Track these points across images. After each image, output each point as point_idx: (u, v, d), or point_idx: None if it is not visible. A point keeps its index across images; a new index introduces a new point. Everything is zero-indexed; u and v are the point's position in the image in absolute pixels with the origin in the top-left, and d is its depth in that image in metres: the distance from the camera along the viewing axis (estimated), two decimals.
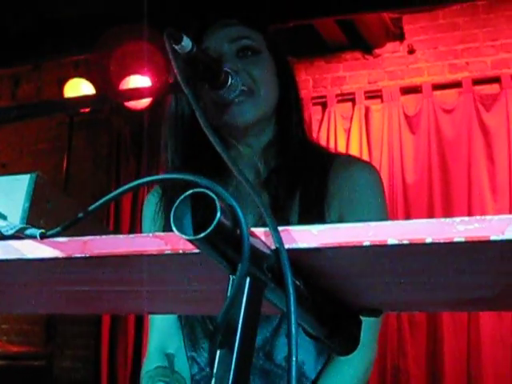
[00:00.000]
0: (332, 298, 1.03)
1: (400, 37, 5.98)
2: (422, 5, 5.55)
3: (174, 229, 0.74)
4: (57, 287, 1.12)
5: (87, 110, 6.53)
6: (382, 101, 5.93)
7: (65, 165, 6.97)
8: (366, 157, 5.71)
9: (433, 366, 5.48)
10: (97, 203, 0.87)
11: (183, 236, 0.74)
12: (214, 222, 0.72)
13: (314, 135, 5.66)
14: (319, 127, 6.01)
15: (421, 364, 5.52)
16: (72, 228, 0.96)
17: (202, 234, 0.72)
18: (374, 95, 5.98)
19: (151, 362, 1.93)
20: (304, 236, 0.86)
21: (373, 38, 5.96)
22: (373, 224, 0.84)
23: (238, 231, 0.77)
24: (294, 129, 1.90)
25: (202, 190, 0.74)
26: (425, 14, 5.88)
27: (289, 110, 1.91)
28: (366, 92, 6.00)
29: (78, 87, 6.47)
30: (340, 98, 6.08)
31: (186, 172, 1.79)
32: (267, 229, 0.86)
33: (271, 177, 1.87)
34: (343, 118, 6.04)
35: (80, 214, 0.87)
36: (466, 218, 0.81)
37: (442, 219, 0.82)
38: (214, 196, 0.73)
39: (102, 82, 6.56)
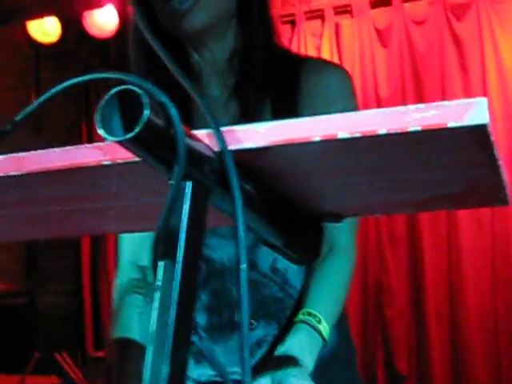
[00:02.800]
0: (289, 203, 0.97)
1: None
2: None
3: (99, 130, 0.67)
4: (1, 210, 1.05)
5: (53, 41, 6.39)
6: (352, 16, 5.82)
7: (33, 99, 6.86)
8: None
9: (415, 280, 5.50)
10: (22, 113, 0.81)
11: (110, 138, 0.67)
12: (142, 120, 0.66)
13: None
14: (289, 46, 5.86)
15: (403, 278, 5.53)
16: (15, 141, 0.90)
17: (130, 134, 0.66)
18: (344, 10, 5.87)
19: (124, 274, 1.89)
20: (250, 135, 0.80)
21: None
22: (321, 117, 0.78)
23: (173, 130, 0.70)
24: (259, 34, 1.83)
25: (128, 86, 0.68)
26: None
27: (250, 13, 1.83)
28: (335, 7, 5.88)
29: (42, 21, 6.32)
30: (309, 15, 5.95)
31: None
32: (210, 131, 0.80)
33: (239, 84, 1.83)
34: (313, 35, 5.93)
35: (8, 126, 0.81)
36: (422, 106, 0.76)
37: (396, 108, 0.76)
38: (141, 92, 0.67)
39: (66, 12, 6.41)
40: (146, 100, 0.66)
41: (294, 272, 1.79)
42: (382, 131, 0.75)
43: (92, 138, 6.73)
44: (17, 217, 1.12)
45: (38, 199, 1.01)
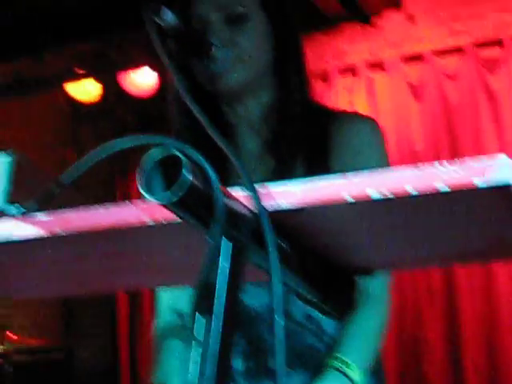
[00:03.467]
0: (322, 259, 1.00)
1: (398, 4, 5.90)
2: None
3: (142, 192, 0.71)
4: (41, 268, 1.10)
5: (92, 100, 6.51)
6: (385, 71, 5.87)
7: (70, 157, 6.96)
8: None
9: (452, 333, 5.45)
10: (69, 175, 0.85)
11: (152, 199, 0.71)
12: (184, 184, 0.70)
13: None
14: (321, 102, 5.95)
15: (439, 331, 5.49)
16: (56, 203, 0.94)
17: (173, 197, 0.70)
18: (376, 66, 5.92)
19: (162, 319, 1.93)
20: (285, 196, 0.84)
21: (370, 6, 5.88)
22: (354, 177, 0.81)
23: (211, 192, 0.74)
24: (295, 90, 1.87)
25: (170, 152, 0.72)
26: None
27: (286, 70, 1.88)
28: (367, 63, 5.93)
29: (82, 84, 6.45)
30: (342, 70, 6.01)
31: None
32: (247, 190, 0.84)
33: (273, 140, 1.86)
34: (346, 90, 5.98)
35: (54, 187, 0.85)
36: (449, 164, 0.79)
37: (424, 167, 0.79)
38: (182, 157, 0.71)
39: (105, 74, 6.54)
40: (188, 165, 0.70)
41: (329, 320, 1.80)
42: (412, 191, 0.79)
43: (126, 193, 6.81)
44: (60, 273, 1.16)
45: (80, 257, 1.05)
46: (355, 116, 1.98)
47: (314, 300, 1.04)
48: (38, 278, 1.20)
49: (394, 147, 5.60)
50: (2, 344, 5.55)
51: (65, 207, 0.94)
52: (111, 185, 6.85)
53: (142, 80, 6.18)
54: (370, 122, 1.93)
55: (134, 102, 6.46)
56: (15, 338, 5.68)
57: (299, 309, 1.78)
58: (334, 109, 2.07)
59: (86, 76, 6.38)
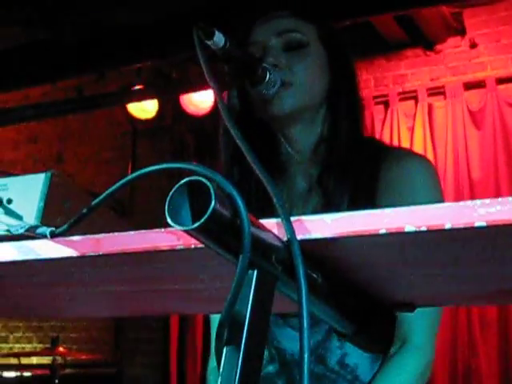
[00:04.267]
0: (358, 291, 0.98)
1: (461, 31, 5.86)
2: None
3: (167, 218, 0.70)
4: (72, 288, 1.09)
5: (150, 117, 6.57)
6: (445, 97, 5.82)
7: (129, 173, 7.02)
8: (430, 154, 5.61)
9: (505, 365, 5.35)
10: (99, 197, 0.84)
11: (177, 226, 0.70)
12: (209, 210, 0.68)
13: (377, 135, 5.58)
14: (382, 126, 5.93)
15: (493, 363, 5.39)
16: (89, 225, 0.94)
17: (196, 224, 0.68)
18: (437, 92, 5.87)
19: (214, 359, 1.92)
20: (317, 225, 0.82)
21: (433, 33, 5.86)
22: (388, 210, 0.79)
23: (239, 220, 0.73)
24: (346, 124, 1.84)
25: (196, 177, 0.70)
26: (486, 7, 5.75)
27: (339, 102, 1.86)
28: (428, 89, 5.89)
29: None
30: (402, 96, 5.98)
31: (235, 172, 1.76)
32: (279, 220, 0.82)
33: (322, 175, 1.83)
34: (406, 116, 5.95)
35: (84, 210, 0.84)
36: (487, 201, 0.76)
37: (462, 202, 0.77)
38: (208, 183, 0.69)
39: (163, 91, 6.57)
40: (213, 191, 0.68)
41: (365, 368, 1.75)
42: (448, 225, 0.76)
43: None
44: (88, 295, 1.15)
45: (112, 279, 1.04)
46: (408, 153, 1.94)
47: (348, 333, 1.01)
48: (72, 298, 1.19)
49: (451, 174, 5.54)
50: (52, 356, 5.59)
51: (104, 231, 0.93)
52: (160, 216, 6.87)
53: (200, 98, 6.21)
54: (423, 160, 1.89)
55: (191, 119, 6.50)
56: (65, 350, 5.72)
57: (335, 355, 1.75)
58: (386, 144, 2.03)
59: (145, 94, 6.43)
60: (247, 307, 0.76)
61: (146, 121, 6.67)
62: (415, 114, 5.91)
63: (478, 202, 0.76)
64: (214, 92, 1.20)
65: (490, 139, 5.60)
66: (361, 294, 0.99)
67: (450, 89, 5.80)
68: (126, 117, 6.69)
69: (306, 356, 0.76)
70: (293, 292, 0.84)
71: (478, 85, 5.73)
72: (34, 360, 6.77)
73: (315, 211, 1.77)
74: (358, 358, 1.74)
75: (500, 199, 0.76)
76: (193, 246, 0.86)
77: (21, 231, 0.94)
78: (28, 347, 7.42)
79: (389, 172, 1.80)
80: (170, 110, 6.80)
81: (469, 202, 0.77)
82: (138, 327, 7.01)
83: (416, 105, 5.93)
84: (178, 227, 0.70)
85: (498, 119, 5.59)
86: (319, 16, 1.91)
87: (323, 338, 1.73)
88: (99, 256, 0.92)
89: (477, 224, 0.75)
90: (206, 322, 6.29)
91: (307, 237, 0.81)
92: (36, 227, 0.94)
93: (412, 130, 5.89)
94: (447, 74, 5.90)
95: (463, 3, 5.64)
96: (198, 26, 1.40)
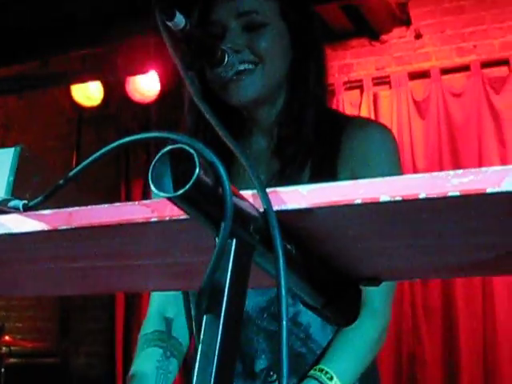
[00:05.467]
0: (328, 265, 0.99)
1: (406, 22, 5.92)
2: None
3: (151, 187, 0.71)
4: (44, 264, 1.09)
5: (96, 105, 6.52)
6: (391, 87, 5.88)
7: (74, 161, 6.98)
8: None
9: (449, 354, 5.44)
10: (75, 169, 0.84)
11: (161, 194, 0.70)
12: (193, 178, 0.69)
13: None
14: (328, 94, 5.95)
15: (436, 351, 5.47)
16: (59, 201, 0.94)
17: (181, 191, 0.69)
18: (382, 81, 5.93)
19: (149, 325, 1.92)
20: (293, 196, 0.83)
21: (379, 23, 5.91)
22: (363, 181, 0.80)
23: (221, 189, 0.74)
24: (308, 97, 1.85)
25: (180, 145, 0.71)
26: None
27: (303, 79, 1.86)
28: (373, 78, 5.94)
29: (86, 86, 6.45)
30: (348, 85, 6.02)
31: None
32: (255, 191, 0.83)
33: (281, 144, 1.85)
34: (352, 105, 5.99)
35: (61, 181, 0.84)
36: (460, 171, 0.78)
37: (435, 173, 0.79)
38: (192, 151, 0.70)
39: (109, 77, 6.55)
40: (197, 159, 0.69)
41: (317, 327, 1.77)
42: (422, 195, 0.78)
43: (130, 200, 6.82)
44: (61, 271, 1.15)
45: (84, 254, 1.04)
46: (367, 122, 1.98)
47: (317, 305, 1.03)
48: (38, 275, 1.19)
49: None
50: None
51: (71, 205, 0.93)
52: (116, 190, 6.85)
53: (146, 86, 6.18)
54: (381, 128, 1.91)
55: (136, 107, 6.47)
56: (10, 340, 5.66)
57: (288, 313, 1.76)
58: (347, 115, 2.06)
59: (90, 79, 6.39)
60: (226, 276, 0.77)
61: (91, 108, 6.62)
62: (361, 104, 5.96)
63: (452, 172, 0.78)
64: (180, 67, 1.20)
65: (434, 129, 5.67)
66: (329, 267, 1.00)
67: (395, 78, 5.85)
68: (71, 104, 6.63)
69: (284, 324, 0.77)
70: (268, 263, 0.85)
71: (423, 75, 5.79)
72: None
73: (273, 178, 1.79)
74: (310, 317, 1.75)
75: (473, 170, 0.78)
76: (167, 219, 0.87)
77: None
78: None
79: (348, 141, 1.83)
80: (116, 97, 6.75)
81: (442, 173, 0.79)
82: (83, 317, 6.97)
83: (361, 94, 5.97)
84: (162, 194, 0.70)
85: (442, 109, 5.66)
86: None
87: (276, 296, 1.74)
88: (71, 229, 0.92)
89: (450, 193, 0.77)
90: None
91: (283, 208, 0.83)
92: (8, 200, 0.94)
93: None
94: (392, 63, 5.96)
95: None
96: (160, 6, 1.40)
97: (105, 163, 6.71)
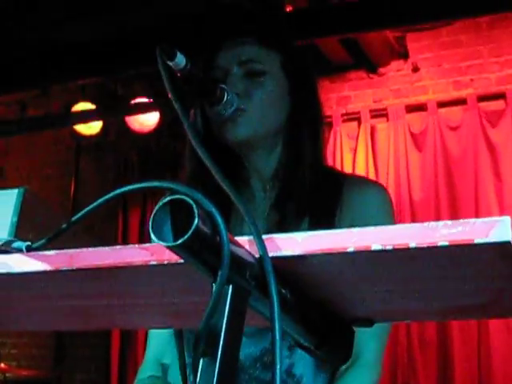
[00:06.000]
0: (321, 307, 1.02)
1: (404, 55, 5.99)
2: (423, 21, 5.53)
3: (152, 236, 0.74)
4: (45, 302, 1.11)
5: (94, 133, 6.56)
6: (388, 119, 5.93)
7: (72, 189, 7.01)
8: (372, 175, 5.70)
9: None
10: (79, 214, 0.87)
11: (161, 243, 0.73)
12: (191, 228, 0.72)
13: None
14: (325, 147, 5.99)
15: (432, 382, 5.47)
16: (63, 242, 0.96)
17: (180, 240, 0.72)
18: (380, 114, 5.98)
19: (145, 370, 1.93)
20: (288, 243, 0.86)
21: (377, 56, 5.97)
22: (356, 230, 0.83)
23: (218, 238, 0.76)
24: (307, 152, 1.87)
25: (179, 196, 0.74)
26: (428, 32, 5.88)
27: (298, 130, 1.89)
28: (371, 111, 5.99)
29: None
30: (345, 117, 6.07)
31: (195, 186, 1.80)
32: (251, 237, 0.86)
33: (280, 198, 1.87)
34: (349, 137, 6.04)
35: (64, 225, 0.87)
36: (450, 222, 0.81)
37: (426, 223, 0.82)
38: (191, 202, 0.73)
39: (109, 111, 6.60)
40: (196, 210, 0.72)
41: (309, 379, 1.79)
42: (412, 245, 0.81)
43: (127, 228, 6.84)
44: (61, 308, 1.17)
45: (84, 294, 1.07)
46: (365, 181, 2.01)
47: (311, 346, 1.05)
48: (38, 312, 1.21)
49: (393, 195, 5.59)
50: None
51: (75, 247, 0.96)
52: (114, 218, 6.87)
53: (145, 116, 6.23)
54: (379, 188, 1.95)
55: (135, 136, 6.51)
56: (5, 367, 5.66)
57: (283, 364, 1.78)
58: (343, 173, 2.09)
59: (90, 116, 6.43)
60: (223, 320, 0.80)
61: (90, 136, 6.65)
62: (358, 136, 6.00)
63: (441, 223, 0.81)
64: (179, 112, 1.23)
65: (430, 161, 5.71)
66: (323, 310, 1.03)
67: (393, 111, 5.90)
68: (70, 132, 6.66)
69: (277, 367, 0.80)
70: (263, 306, 0.88)
71: (420, 108, 5.85)
72: None
73: (271, 231, 1.80)
74: (303, 369, 1.78)
75: (461, 221, 0.81)
76: (166, 262, 0.90)
77: None
78: None
79: (348, 200, 1.85)
80: (115, 126, 6.80)
81: (432, 223, 0.82)
82: (78, 344, 6.96)
83: (359, 126, 6.02)
84: (162, 243, 0.73)
85: (438, 142, 5.70)
86: (282, 44, 1.95)
87: (270, 346, 1.77)
88: (73, 270, 0.95)
89: (439, 243, 0.80)
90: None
91: (278, 254, 0.86)
92: (11, 241, 0.96)
93: (355, 151, 5.98)
94: (390, 96, 6.01)
95: (406, 28, 5.77)
96: (161, 46, 1.43)
97: (102, 194, 6.71)
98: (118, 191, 0.85)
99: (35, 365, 6.98)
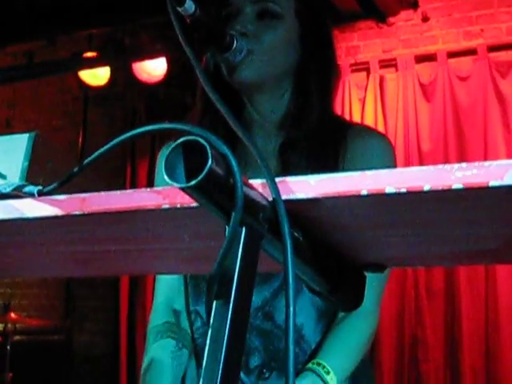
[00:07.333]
0: (334, 252, 1.02)
1: (414, 5, 5.92)
2: None
3: (165, 177, 0.73)
4: (57, 247, 1.12)
5: (102, 84, 6.53)
6: (397, 69, 5.88)
7: (80, 140, 7.01)
8: (381, 126, 5.69)
9: (451, 335, 5.47)
10: (91, 156, 0.87)
11: (175, 184, 0.73)
12: (205, 169, 0.71)
13: None
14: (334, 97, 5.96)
15: (439, 333, 5.50)
16: (73, 187, 0.96)
17: (193, 182, 0.71)
18: (389, 64, 5.94)
19: (158, 316, 1.95)
20: (301, 186, 0.85)
21: (386, 6, 5.91)
22: (370, 172, 0.83)
23: (232, 180, 0.76)
24: (313, 101, 1.86)
25: (193, 137, 0.73)
26: None
27: (307, 78, 1.88)
28: (380, 61, 5.95)
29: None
30: (354, 67, 6.03)
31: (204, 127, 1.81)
32: (264, 180, 0.85)
33: (284, 146, 1.87)
34: (358, 87, 6.00)
35: (75, 169, 0.86)
36: (464, 165, 0.80)
37: (440, 166, 0.81)
38: (205, 143, 0.72)
39: (116, 59, 6.56)
40: (209, 151, 0.72)
41: (310, 329, 1.82)
42: (427, 187, 0.80)
43: (135, 180, 6.84)
44: (73, 254, 1.18)
45: (96, 238, 1.07)
46: (369, 130, 2.00)
47: (323, 291, 1.06)
48: (49, 258, 1.21)
49: (401, 146, 5.62)
50: (4, 323, 5.59)
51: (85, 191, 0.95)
52: (122, 169, 6.87)
53: (152, 65, 6.20)
54: (383, 138, 1.95)
55: (143, 86, 6.48)
56: (16, 317, 5.71)
57: (282, 313, 1.79)
58: (348, 121, 2.08)
59: (97, 61, 6.39)
60: (236, 263, 0.80)
61: (98, 87, 6.63)
62: (367, 86, 5.97)
63: (456, 165, 0.81)
64: (190, 57, 1.22)
65: (439, 112, 5.68)
66: (335, 254, 1.03)
67: (402, 61, 5.86)
68: (78, 83, 6.64)
69: (291, 311, 0.80)
70: (276, 250, 0.88)
71: (430, 58, 5.80)
72: None
73: None
74: (303, 318, 1.80)
75: (476, 163, 0.80)
76: (178, 206, 0.89)
77: (8, 190, 0.96)
78: None
79: (351, 148, 1.85)
80: (122, 76, 6.77)
81: (447, 166, 0.81)
82: (87, 294, 7.01)
83: (368, 76, 5.99)
84: (175, 185, 0.73)
85: (448, 92, 5.67)
86: None
87: (272, 296, 1.78)
88: (84, 215, 0.95)
89: (454, 186, 0.79)
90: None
91: (291, 197, 0.85)
92: (23, 186, 0.96)
93: (363, 101, 5.95)
94: (399, 46, 5.96)
95: None
96: None
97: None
98: (129, 133, 0.85)
99: (45, 315, 7.04)
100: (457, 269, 5.39)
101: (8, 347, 5.40)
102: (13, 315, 5.64)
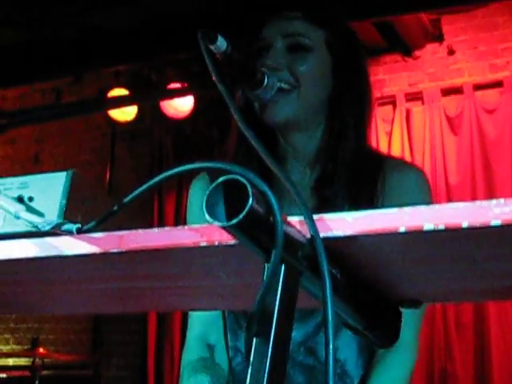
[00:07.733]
0: (370, 288, 1.02)
1: (439, 38, 5.94)
2: (459, 4, 5.49)
3: (206, 216, 0.74)
4: (92, 285, 1.12)
5: (129, 119, 6.57)
6: (423, 103, 5.89)
7: (107, 175, 7.05)
8: (408, 159, 5.68)
9: (481, 369, 5.42)
10: (130, 195, 0.88)
11: (216, 223, 0.74)
12: (246, 208, 0.72)
13: None
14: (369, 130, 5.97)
15: (469, 367, 5.45)
16: (110, 225, 0.97)
17: (235, 220, 0.72)
18: (415, 97, 5.95)
19: (192, 351, 1.93)
20: (339, 224, 0.86)
21: (412, 39, 5.93)
22: (407, 209, 0.83)
23: (272, 218, 0.77)
24: (348, 131, 1.85)
25: (234, 176, 0.74)
26: (464, 14, 5.83)
27: (341, 110, 1.87)
28: (406, 94, 5.96)
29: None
30: (380, 101, 6.02)
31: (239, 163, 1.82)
32: (301, 218, 0.86)
33: (319, 182, 1.86)
34: (384, 121, 6.01)
35: (115, 207, 0.87)
36: (502, 200, 0.80)
37: (478, 202, 0.81)
38: (246, 182, 0.73)
39: (145, 98, 6.60)
40: (250, 189, 0.72)
41: (352, 363, 1.81)
42: (465, 224, 0.80)
43: (162, 215, 6.86)
44: (109, 291, 1.18)
45: (132, 276, 1.08)
46: (406, 164, 1.99)
47: (359, 328, 1.06)
48: (85, 294, 1.22)
49: (429, 179, 5.59)
50: (32, 357, 5.61)
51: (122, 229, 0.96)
52: (149, 204, 6.89)
53: (179, 101, 6.23)
54: (418, 170, 1.95)
55: (170, 122, 6.52)
56: (44, 352, 5.72)
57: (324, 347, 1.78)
58: (384, 154, 2.07)
59: (127, 101, 6.43)
60: (275, 300, 0.80)
61: (125, 123, 6.67)
62: (393, 119, 5.98)
63: (494, 201, 0.81)
64: (224, 94, 1.23)
65: (466, 145, 5.67)
66: (371, 290, 1.03)
67: (428, 94, 5.87)
68: (105, 118, 6.69)
69: (330, 347, 0.80)
70: (314, 287, 0.88)
71: (456, 91, 5.80)
72: (10, 362, 6.78)
73: None
74: (346, 353, 1.79)
75: None
76: (216, 243, 0.90)
77: (47, 228, 0.97)
78: (5, 349, 7.40)
79: (388, 180, 1.84)
80: (150, 112, 6.82)
81: (484, 202, 0.81)
82: (115, 329, 7.01)
83: (394, 110, 5.99)
84: (217, 223, 0.73)
85: (474, 125, 5.66)
86: (329, 21, 1.92)
87: (314, 331, 1.78)
88: (122, 253, 0.95)
89: (492, 223, 0.79)
90: (183, 324, 6.32)
91: (329, 234, 0.85)
92: (62, 224, 0.97)
93: (390, 134, 5.95)
94: (425, 79, 5.97)
95: (441, 10, 5.72)
96: (203, 30, 1.43)
97: (137, 180, 6.76)
98: (168, 173, 0.86)
99: (73, 350, 7.04)
100: (486, 302, 5.34)
101: (36, 382, 5.40)
102: (41, 350, 5.65)
